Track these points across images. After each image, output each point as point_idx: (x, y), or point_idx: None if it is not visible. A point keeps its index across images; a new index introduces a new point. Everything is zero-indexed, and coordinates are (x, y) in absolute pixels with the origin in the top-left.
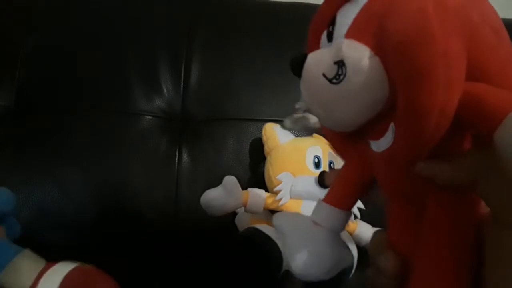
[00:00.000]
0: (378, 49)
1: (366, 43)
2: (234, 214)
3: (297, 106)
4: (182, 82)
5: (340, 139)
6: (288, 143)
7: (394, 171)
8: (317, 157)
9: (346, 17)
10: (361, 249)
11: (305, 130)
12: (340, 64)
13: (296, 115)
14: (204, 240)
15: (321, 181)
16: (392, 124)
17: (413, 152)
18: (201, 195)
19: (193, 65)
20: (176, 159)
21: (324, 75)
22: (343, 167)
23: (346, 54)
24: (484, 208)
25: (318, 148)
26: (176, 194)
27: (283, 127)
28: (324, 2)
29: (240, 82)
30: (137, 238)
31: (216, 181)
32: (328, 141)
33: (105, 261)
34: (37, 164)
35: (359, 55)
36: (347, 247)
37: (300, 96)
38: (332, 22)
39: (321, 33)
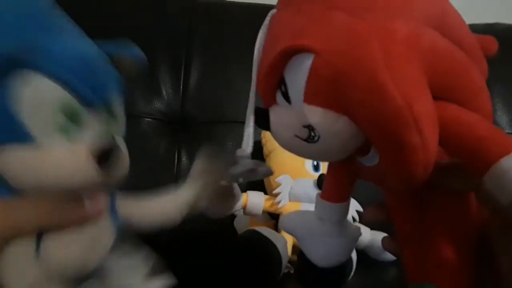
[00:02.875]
0: (344, 109)
1: (328, 107)
2: (233, 216)
3: (239, 153)
4: (181, 84)
5: None
6: None
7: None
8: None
9: (295, 82)
10: (359, 251)
11: (254, 179)
12: (310, 128)
13: (244, 163)
14: (203, 242)
15: (320, 183)
16: (372, 147)
17: (400, 183)
18: None
19: (193, 68)
20: (176, 161)
21: (297, 136)
22: (332, 163)
23: (314, 121)
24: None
25: None
26: None
27: (233, 179)
28: (268, 63)
29: (240, 84)
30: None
31: None
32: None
33: None
34: None
35: (328, 120)
36: (352, 224)
37: None
38: (283, 82)
39: (273, 89)
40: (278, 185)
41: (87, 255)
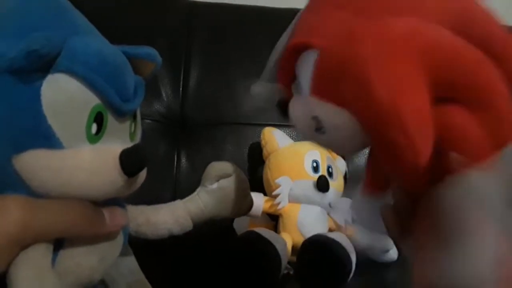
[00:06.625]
0: (343, 104)
1: (330, 100)
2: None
3: None
4: (181, 86)
5: None
6: (287, 147)
7: None
8: (315, 161)
9: (303, 75)
10: (359, 252)
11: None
12: (317, 119)
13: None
14: (203, 243)
15: (319, 185)
16: None
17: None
18: None
19: (192, 70)
20: (175, 163)
21: (308, 126)
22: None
23: (318, 112)
24: None
25: (316, 152)
26: (175, 198)
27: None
28: (282, 58)
29: (239, 86)
30: (135, 240)
31: None
32: None
33: None
34: None
35: (330, 113)
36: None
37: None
38: (296, 75)
39: (289, 81)
40: (278, 186)
41: (99, 265)
